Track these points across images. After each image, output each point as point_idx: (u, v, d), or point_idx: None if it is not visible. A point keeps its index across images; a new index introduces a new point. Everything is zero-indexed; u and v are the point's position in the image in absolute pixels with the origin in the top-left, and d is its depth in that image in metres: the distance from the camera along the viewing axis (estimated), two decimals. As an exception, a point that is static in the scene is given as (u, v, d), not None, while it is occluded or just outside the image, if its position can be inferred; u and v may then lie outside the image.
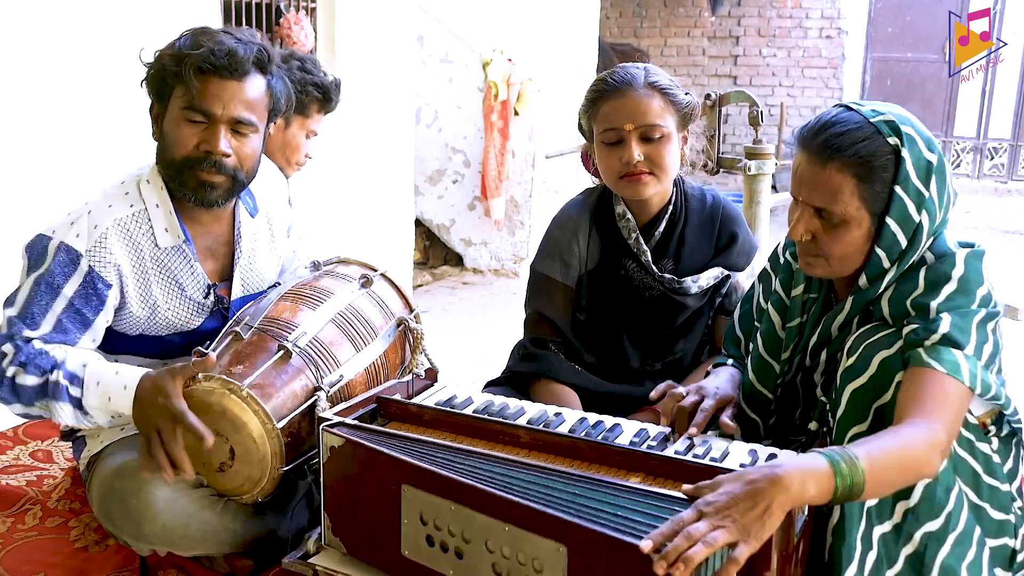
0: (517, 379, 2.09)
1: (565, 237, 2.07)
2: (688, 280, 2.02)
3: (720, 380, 1.73)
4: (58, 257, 1.71)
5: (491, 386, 2.10)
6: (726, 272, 2.05)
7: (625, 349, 2.06)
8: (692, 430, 1.58)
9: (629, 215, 2.03)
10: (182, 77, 1.70)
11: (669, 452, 1.50)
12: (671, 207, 2.04)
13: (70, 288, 1.72)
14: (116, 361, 1.80)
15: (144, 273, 1.79)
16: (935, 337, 1.39)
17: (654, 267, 2.02)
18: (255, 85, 1.77)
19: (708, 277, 2.03)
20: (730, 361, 1.85)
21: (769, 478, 1.19)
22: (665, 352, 2.06)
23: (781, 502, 1.18)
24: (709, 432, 1.62)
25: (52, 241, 1.73)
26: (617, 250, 2.05)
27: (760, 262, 2.06)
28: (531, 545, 1.28)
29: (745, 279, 2.06)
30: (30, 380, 1.66)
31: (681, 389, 1.65)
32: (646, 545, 1.14)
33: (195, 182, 1.75)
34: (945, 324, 1.40)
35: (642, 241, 2.02)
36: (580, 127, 2.06)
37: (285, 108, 1.89)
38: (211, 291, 1.86)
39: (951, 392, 1.37)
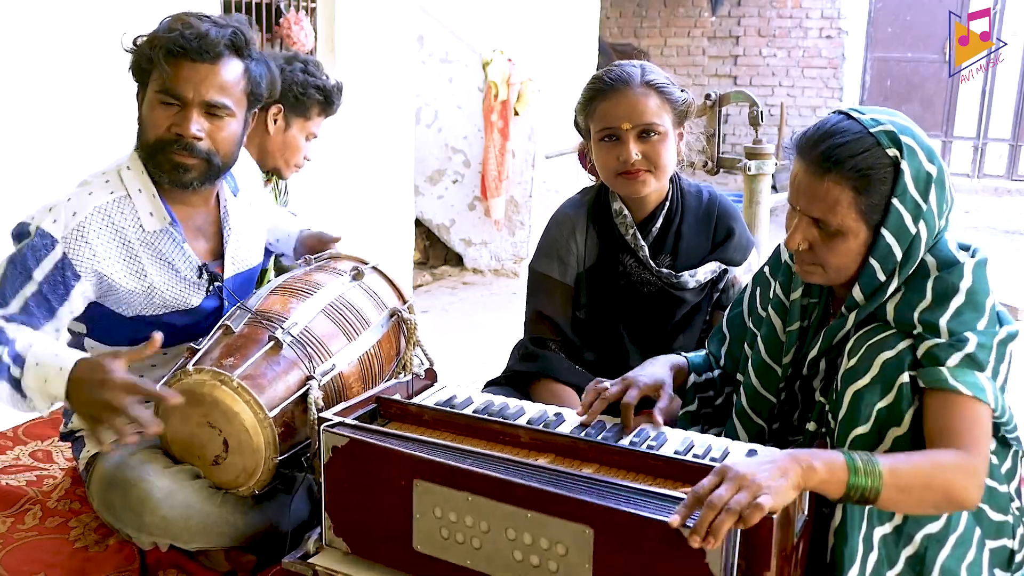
0: (517, 379, 2.09)
1: (563, 236, 2.08)
2: (686, 275, 2.03)
3: (651, 367, 1.75)
4: (33, 241, 1.71)
5: (491, 386, 2.10)
6: (723, 267, 2.06)
7: (625, 346, 2.06)
8: (604, 418, 1.63)
9: (626, 211, 2.04)
10: (155, 61, 1.70)
11: (668, 451, 1.50)
12: (668, 203, 2.05)
13: (40, 273, 1.70)
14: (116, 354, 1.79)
15: (134, 254, 1.78)
16: (958, 356, 1.38)
17: (651, 262, 2.03)
18: (230, 69, 1.76)
19: (705, 271, 2.04)
20: (701, 352, 1.88)
21: (783, 452, 1.28)
22: (664, 348, 2.06)
23: (796, 471, 1.24)
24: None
25: (30, 226, 1.73)
26: (615, 247, 2.06)
27: (758, 260, 2.08)
28: (555, 529, 1.30)
29: (742, 274, 2.07)
30: None
31: (606, 382, 1.67)
32: (674, 520, 1.18)
33: (168, 164, 1.75)
34: (971, 344, 1.39)
35: (639, 237, 2.03)
36: (576, 124, 2.06)
37: (269, 94, 1.88)
38: (203, 270, 1.86)
39: (981, 416, 1.38)
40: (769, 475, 1.22)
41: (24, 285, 1.69)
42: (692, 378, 1.83)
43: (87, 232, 1.73)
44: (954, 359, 1.38)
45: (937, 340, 1.40)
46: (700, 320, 2.09)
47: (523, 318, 2.16)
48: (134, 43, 1.77)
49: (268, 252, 2.35)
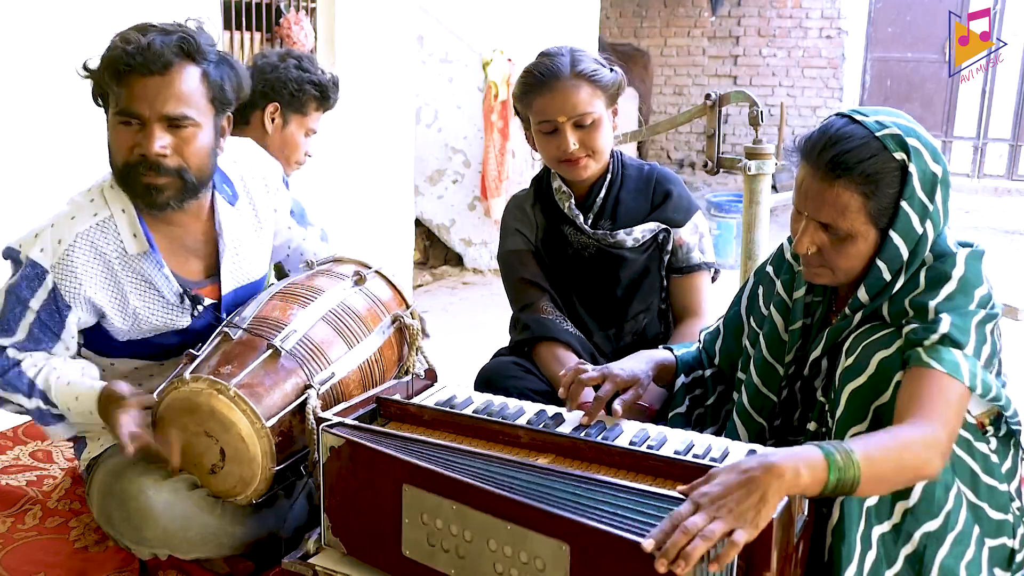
0: (521, 347, 2.16)
1: (515, 216, 2.22)
2: (621, 233, 2.11)
3: (632, 362, 1.77)
4: (25, 271, 1.71)
5: (499, 355, 2.19)
6: (663, 226, 2.13)
7: (583, 320, 2.14)
8: (584, 419, 1.63)
9: (565, 188, 2.15)
10: (104, 83, 1.67)
11: (668, 451, 1.49)
12: (608, 175, 2.14)
13: (36, 302, 1.71)
14: (112, 365, 1.84)
15: (117, 284, 1.76)
16: (934, 337, 1.39)
17: (587, 227, 2.12)
18: (184, 77, 1.66)
19: (642, 230, 2.12)
20: (693, 346, 1.89)
21: (763, 466, 1.20)
22: (620, 317, 2.14)
23: (776, 489, 1.19)
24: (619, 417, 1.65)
25: (19, 253, 1.72)
26: (557, 219, 2.17)
27: (705, 222, 2.20)
28: (533, 544, 1.28)
29: (688, 235, 2.15)
30: (16, 398, 1.74)
31: (587, 367, 1.70)
32: (647, 544, 1.15)
33: (140, 187, 1.69)
34: (945, 324, 1.40)
35: (574, 207, 2.13)
36: (516, 110, 2.16)
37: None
38: (184, 296, 1.81)
39: (951, 392, 1.37)
40: (747, 502, 1.18)
41: (24, 314, 1.72)
42: (681, 379, 1.84)
43: (72, 261, 1.71)
44: (931, 338, 1.39)
45: (914, 324, 1.41)
46: (651, 285, 2.15)
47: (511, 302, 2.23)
48: (86, 68, 1.71)
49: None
